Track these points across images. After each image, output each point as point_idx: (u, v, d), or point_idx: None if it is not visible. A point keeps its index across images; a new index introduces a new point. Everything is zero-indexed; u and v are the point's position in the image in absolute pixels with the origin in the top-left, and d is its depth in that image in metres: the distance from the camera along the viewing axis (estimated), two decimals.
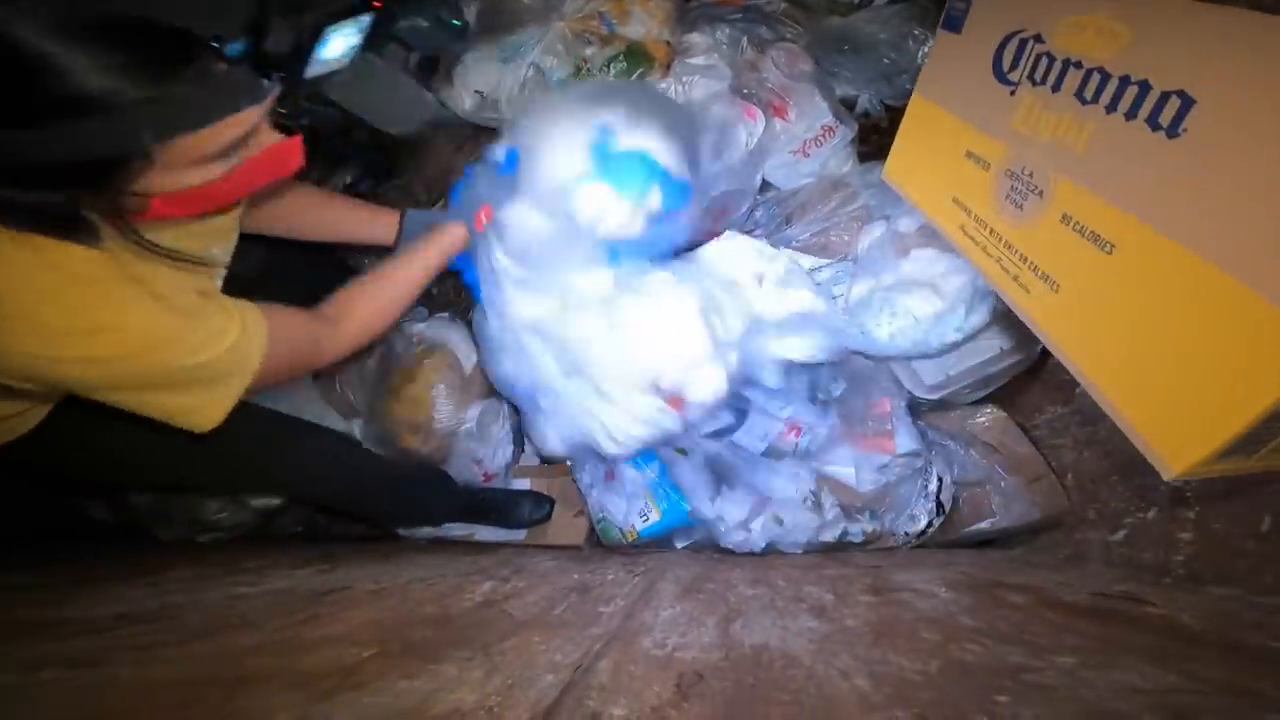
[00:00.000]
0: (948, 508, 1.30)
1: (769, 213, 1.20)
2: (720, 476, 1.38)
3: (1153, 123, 0.51)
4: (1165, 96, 0.50)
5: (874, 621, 0.74)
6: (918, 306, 1.05)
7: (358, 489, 1.05)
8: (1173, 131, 0.49)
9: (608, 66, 1.22)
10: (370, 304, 0.81)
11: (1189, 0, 0.50)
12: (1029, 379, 1.29)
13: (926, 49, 1.48)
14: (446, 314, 1.25)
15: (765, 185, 1.26)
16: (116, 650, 0.74)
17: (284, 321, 0.71)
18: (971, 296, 1.04)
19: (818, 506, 1.35)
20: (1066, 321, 0.58)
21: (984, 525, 1.30)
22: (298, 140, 0.62)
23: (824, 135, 1.26)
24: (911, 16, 1.54)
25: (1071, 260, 0.57)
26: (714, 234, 1.14)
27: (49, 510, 1.43)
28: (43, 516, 1.41)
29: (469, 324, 1.22)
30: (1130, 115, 0.53)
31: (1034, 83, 0.64)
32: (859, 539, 1.33)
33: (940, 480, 1.30)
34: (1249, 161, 0.43)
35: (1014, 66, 0.67)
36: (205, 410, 0.65)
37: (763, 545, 1.32)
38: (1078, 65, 0.59)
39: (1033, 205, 0.63)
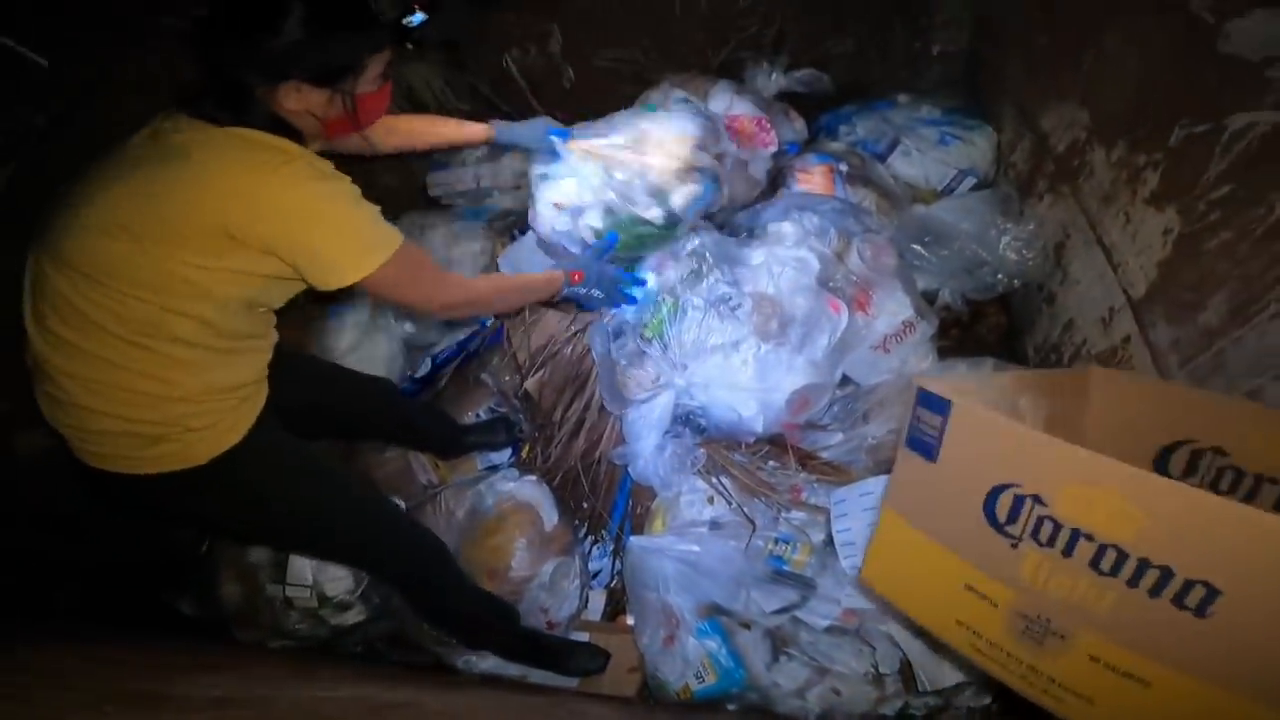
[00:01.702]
0: None
1: (847, 408, 1.25)
2: (780, 647, 1.39)
3: (1179, 603, 0.53)
4: (1190, 584, 0.52)
5: None
6: None
7: (444, 581, 1.20)
8: (1200, 613, 0.52)
9: None
10: (488, 285, 1.11)
11: (1199, 492, 0.52)
12: None
13: (1007, 239, 1.53)
14: (534, 477, 1.33)
15: (844, 379, 1.31)
16: None
17: (417, 248, 0.94)
18: None
19: (879, 681, 1.35)
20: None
21: None
22: (389, 87, 0.95)
23: (905, 331, 1.31)
24: (993, 205, 1.61)
25: (1106, 688, 0.59)
26: (795, 427, 1.20)
27: (144, 600, 1.54)
28: (138, 606, 1.52)
29: (553, 486, 1.31)
30: (1154, 594, 0.54)
31: (1039, 543, 0.60)
32: (920, 713, 1.32)
33: None
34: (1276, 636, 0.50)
35: (1012, 520, 0.62)
36: (348, 267, 0.84)
37: (817, 713, 1.32)
38: (1089, 538, 0.57)
39: (1055, 644, 0.61)
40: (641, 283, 1.28)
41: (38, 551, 1.29)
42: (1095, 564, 0.57)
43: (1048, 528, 0.59)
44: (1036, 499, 0.60)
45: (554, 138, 1.29)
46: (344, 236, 0.83)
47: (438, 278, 0.98)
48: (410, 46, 0.96)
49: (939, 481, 0.67)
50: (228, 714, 0.90)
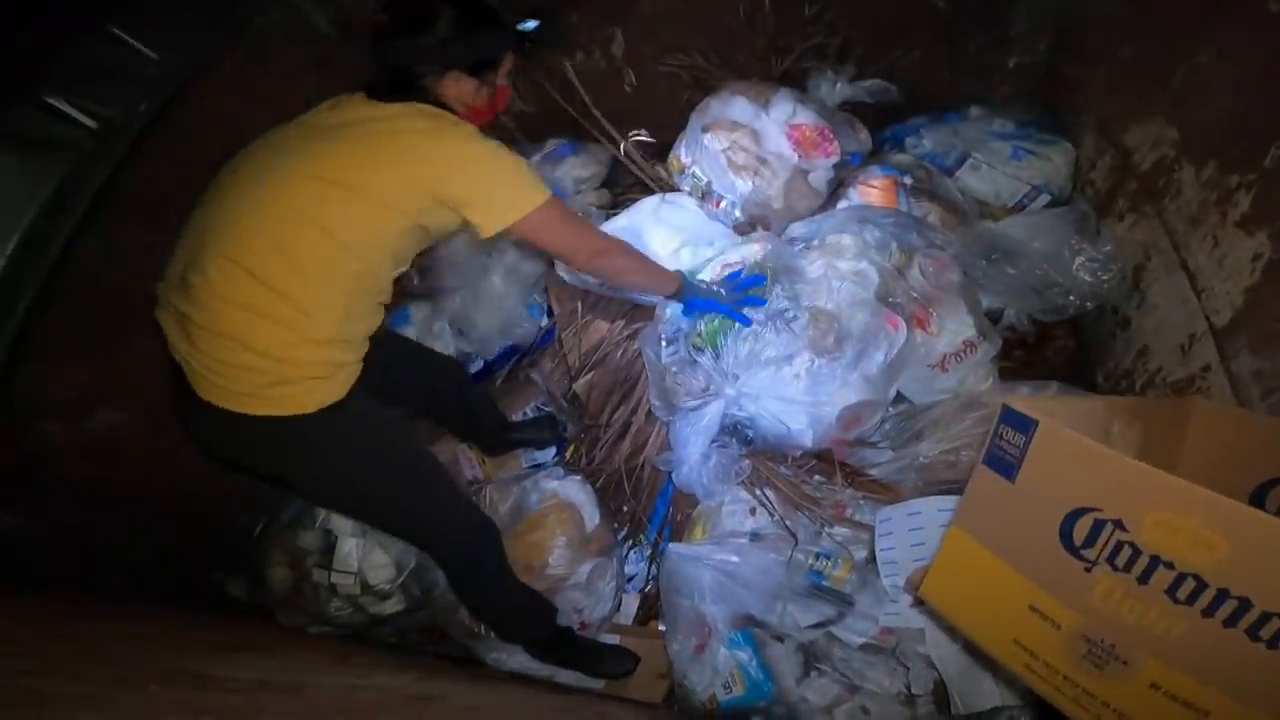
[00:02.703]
0: None
1: (899, 426, 1.21)
2: (811, 662, 1.37)
3: (1252, 634, 0.53)
4: (1267, 616, 0.52)
5: None
6: None
7: (492, 565, 1.23)
8: (1274, 645, 0.52)
9: None
10: (624, 255, 1.16)
11: None
12: None
13: (1082, 259, 1.46)
14: (579, 478, 1.34)
15: (899, 397, 1.27)
16: (263, 714, 0.85)
17: (567, 209, 1.08)
18: None
19: (910, 701, 1.31)
20: None
21: None
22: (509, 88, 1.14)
23: (965, 351, 1.26)
24: (1068, 223, 1.53)
25: (1163, 715, 0.59)
26: (844, 443, 1.17)
27: (192, 581, 1.60)
28: (185, 587, 1.58)
29: (595, 488, 1.31)
30: (1229, 624, 0.54)
31: (1115, 568, 0.60)
32: None
33: None
34: None
35: (1089, 544, 0.61)
36: (509, 209, 0.98)
37: None
38: (1169, 565, 0.57)
39: (1116, 669, 0.61)
40: (761, 302, 1.22)
41: (92, 530, 1.35)
42: (1171, 592, 0.57)
43: (1126, 553, 0.59)
44: (1118, 524, 0.59)
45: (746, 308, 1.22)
46: (509, 183, 0.99)
47: (581, 226, 1.14)
48: (528, 46, 1.16)
49: (1015, 501, 0.66)
50: (267, 696, 0.93)
